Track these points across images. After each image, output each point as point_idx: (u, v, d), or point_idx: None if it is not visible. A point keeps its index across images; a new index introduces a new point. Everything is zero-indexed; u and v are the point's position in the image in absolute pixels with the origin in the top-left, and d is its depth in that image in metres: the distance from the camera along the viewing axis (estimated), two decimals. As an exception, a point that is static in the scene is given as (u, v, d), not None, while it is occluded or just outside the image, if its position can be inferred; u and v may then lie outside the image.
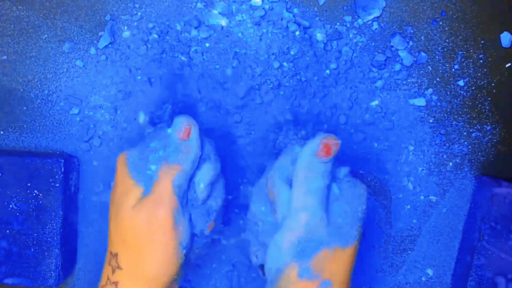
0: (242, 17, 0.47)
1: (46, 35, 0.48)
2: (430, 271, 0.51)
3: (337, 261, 0.40)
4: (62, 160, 0.46)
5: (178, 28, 0.47)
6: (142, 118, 0.47)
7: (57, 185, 0.46)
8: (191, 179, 0.42)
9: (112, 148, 0.50)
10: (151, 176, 0.40)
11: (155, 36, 0.48)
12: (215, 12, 0.47)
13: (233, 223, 0.51)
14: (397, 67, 0.48)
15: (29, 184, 0.46)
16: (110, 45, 0.48)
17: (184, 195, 0.41)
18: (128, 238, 0.40)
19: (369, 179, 0.50)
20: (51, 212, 0.47)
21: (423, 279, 0.52)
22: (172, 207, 0.40)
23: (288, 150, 0.43)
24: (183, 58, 0.48)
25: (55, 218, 0.47)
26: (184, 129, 0.40)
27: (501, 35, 0.48)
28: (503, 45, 0.48)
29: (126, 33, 0.48)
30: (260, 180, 0.45)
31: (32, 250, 0.47)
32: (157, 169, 0.40)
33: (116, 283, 0.40)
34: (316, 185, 0.39)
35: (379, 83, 0.49)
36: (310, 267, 0.39)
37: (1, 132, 0.49)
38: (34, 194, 0.46)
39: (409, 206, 0.51)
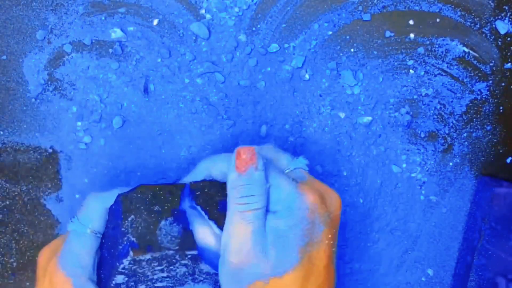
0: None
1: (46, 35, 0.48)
2: (430, 271, 0.51)
3: None
4: None
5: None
6: None
7: None
8: None
9: (112, 148, 0.50)
10: None
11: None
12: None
13: None
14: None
15: None
16: (110, 44, 0.48)
17: None
18: None
19: (364, 178, 0.50)
20: None
21: (423, 279, 0.52)
22: None
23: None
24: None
25: None
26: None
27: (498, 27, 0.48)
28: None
29: (130, 29, 0.48)
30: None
31: None
32: None
33: None
34: (244, 207, 0.36)
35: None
36: None
37: (1, 132, 0.49)
38: None
39: (408, 206, 0.51)
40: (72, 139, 0.49)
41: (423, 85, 0.49)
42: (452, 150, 0.50)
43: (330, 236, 0.37)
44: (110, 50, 0.48)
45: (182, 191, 0.38)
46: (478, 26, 0.48)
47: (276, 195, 0.37)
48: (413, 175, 0.50)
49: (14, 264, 0.51)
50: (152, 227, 0.37)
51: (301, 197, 0.37)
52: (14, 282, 0.51)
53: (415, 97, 0.49)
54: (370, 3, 0.48)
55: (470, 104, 0.49)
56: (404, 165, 0.50)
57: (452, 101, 0.49)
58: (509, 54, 0.48)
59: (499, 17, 0.48)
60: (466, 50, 0.48)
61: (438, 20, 0.48)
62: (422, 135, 0.50)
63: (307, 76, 0.49)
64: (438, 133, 0.50)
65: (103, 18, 0.48)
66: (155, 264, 0.37)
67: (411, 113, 0.49)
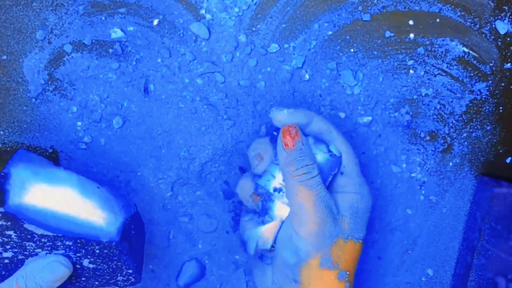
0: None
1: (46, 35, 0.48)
2: (430, 271, 0.51)
3: (349, 253, 0.42)
4: None
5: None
6: None
7: None
8: None
9: (112, 148, 0.50)
10: None
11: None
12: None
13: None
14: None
15: None
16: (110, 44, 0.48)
17: None
18: None
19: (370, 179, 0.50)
20: None
21: (423, 279, 0.52)
22: None
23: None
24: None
25: None
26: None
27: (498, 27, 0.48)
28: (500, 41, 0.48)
29: (130, 28, 0.48)
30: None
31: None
32: None
33: None
34: (304, 177, 0.41)
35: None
36: (330, 255, 0.41)
37: (1, 132, 0.49)
38: None
39: (408, 206, 0.51)
40: (72, 139, 0.49)
41: (423, 85, 0.49)
42: (452, 150, 0.50)
43: None
44: (110, 50, 0.48)
45: (12, 156, 0.41)
46: (478, 26, 0.48)
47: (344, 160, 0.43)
48: (413, 175, 0.50)
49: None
50: None
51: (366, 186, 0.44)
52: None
53: (415, 97, 0.49)
54: (370, 3, 0.48)
55: (470, 104, 0.49)
56: (404, 165, 0.50)
57: (452, 101, 0.49)
58: (509, 54, 0.48)
59: (499, 17, 0.48)
60: (466, 50, 0.48)
61: (438, 20, 0.48)
62: (422, 135, 0.50)
63: (307, 76, 0.49)
64: (438, 133, 0.50)
65: (103, 18, 0.48)
66: None
67: (411, 113, 0.49)
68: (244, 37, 0.48)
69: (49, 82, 0.48)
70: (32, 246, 0.41)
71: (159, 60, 0.48)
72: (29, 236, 0.40)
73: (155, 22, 0.48)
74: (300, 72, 0.49)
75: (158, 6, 0.48)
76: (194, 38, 0.48)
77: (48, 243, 0.41)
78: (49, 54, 0.48)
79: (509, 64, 0.48)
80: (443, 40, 0.48)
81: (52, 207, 0.40)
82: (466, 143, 0.50)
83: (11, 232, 0.40)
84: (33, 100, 0.49)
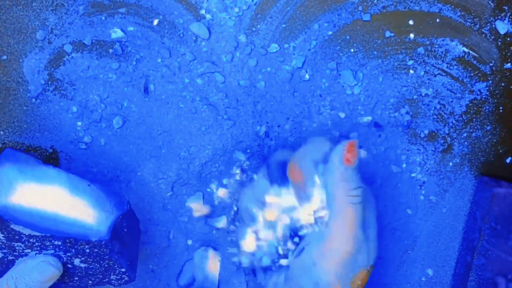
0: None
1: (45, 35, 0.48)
2: (430, 271, 0.51)
3: (363, 279, 0.41)
4: None
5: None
6: None
7: None
8: None
9: (112, 148, 0.50)
10: None
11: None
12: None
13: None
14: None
15: None
16: (110, 44, 0.48)
17: None
18: None
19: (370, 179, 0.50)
20: None
21: (423, 279, 0.52)
22: None
23: (315, 140, 0.43)
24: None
25: None
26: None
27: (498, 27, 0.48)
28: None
29: (131, 28, 0.48)
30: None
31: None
32: None
33: None
34: (356, 199, 0.39)
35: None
36: (349, 285, 0.40)
37: (1, 132, 0.49)
38: None
39: (408, 206, 0.51)
40: (72, 139, 0.49)
41: (423, 85, 0.49)
42: (452, 150, 0.50)
43: None
44: (110, 50, 0.48)
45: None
46: (478, 26, 0.48)
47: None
48: (413, 175, 0.50)
49: (14, 264, 0.51)
50: None
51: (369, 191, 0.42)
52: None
53: (415, 97, 0.49)
54: (370, 3, 0.48)
55: (470, 104, 0.49)
56: (404, 165, 0.50)
57: (452, 101, 0.49)
58: (509, 54, 0.48)
59: (499, 17, 0.48)
60: (466, 50, 0.48)
61: (438, 20, 0.48)
62: (422, 135, 0.50)
63: (307, 76, 0.49)
64: (438, 133, 0.50)
65: (103, 18, 0.48)
66: None
67: (411, 113, 0.49)
68: (244, 37, 0.48)
69: (49, 82, 0.48)
70: (21, 246, 0.40)
71: (159, 60, 0.48)
72: (17, 237, 0.40)
73: (155, 22, 0.48)
74: (300, 72, 0.49)
75: (158, 6, 0.48)
76: (194, 38, 0.48)
77: (37, 243, 0.40)
78: (49, 54, 0.48)
79: (509, 64, 0.48)
80: (443, 40, 0.48)
81: (40, 207, 0.40)
82: (466, 143, 0.50)
83: None
84: (33, 100, 0.49)
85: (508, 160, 0.50)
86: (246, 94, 0.49)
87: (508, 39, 0.48)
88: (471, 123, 0.49)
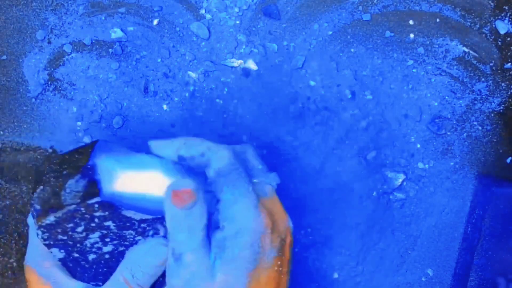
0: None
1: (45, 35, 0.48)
2: (430, 271, 0.51)
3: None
4: None
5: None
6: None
7: None
8: None
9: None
10: None
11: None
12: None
13: None
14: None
15: None
16: (110, 43, 0.48)
17: None
18: None
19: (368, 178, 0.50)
20: None
21: (423, 279, 0.52)
22: None
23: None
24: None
25: None
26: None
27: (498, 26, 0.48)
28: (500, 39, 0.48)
29: (130, 28, 0.48)
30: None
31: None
32: None
33: None
34: (186, 246, 0.35)
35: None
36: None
37: (1, 132, 0.49)
38: None
39: (408, 206, 0.51)
40: (72, 139, 0.49)
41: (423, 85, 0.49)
42: (452, 150, 0.50)
43: (279, 263, 0.36)
44: (110, 50, 0.48)
45: (93, 147, 0.39)
46: (478, 26, 0.48)
47: (231, 210, 0.35)
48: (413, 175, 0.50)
49: (14, 264, 0.51)
50: (57, 190, 0.36)
51: (258, 218, 0.35)
52: (14, 282, 0.51)
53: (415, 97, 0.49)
54: (370, 3, 0.48)
55: (470, 104, 0.49)
56: (404, 165, 0.50)
57: (452, 101, 0.49)
58: (509, 54, 0.48)
59: (499, 17, 0.48)
60: (466, 50, 0.48)
61: (438, 20, 0.48)
62: (422, 135, 0.50)
63: (307, 76, 0.49)
64: (438, 133, 0.50)
65: (103, 18, 0.48)
66: (76, 226, 0.37)
67: (411, 113, 0.49)
68: (244, 37, 0.48)
69: (49, 82, 0.48)
70: (132, 234, 0.39)
71: (159, 60, 0.48)
72: (128, 224, 0.38)
73: (155, 22, 0.48)
74: (300, 72, 0.49)
75: (158, 6, 0.48)
76: (194, 38, 0.48)
77: (148, 228, 0.39)
78: (49, 54, 0.48)
79: (509, 64, 0.48)
80: (443, 40, 0.48)
81: (144, 191, 0.38)
82: (466, 143, 0.50)
83: (109, 223, 0.38)
84: (33, 100, 0.49)
85: (508, 160, 0.50)
86: (246, 94, 0.49)
87: (508, 39, 0.48)
88: (471, 123, 0.49)
